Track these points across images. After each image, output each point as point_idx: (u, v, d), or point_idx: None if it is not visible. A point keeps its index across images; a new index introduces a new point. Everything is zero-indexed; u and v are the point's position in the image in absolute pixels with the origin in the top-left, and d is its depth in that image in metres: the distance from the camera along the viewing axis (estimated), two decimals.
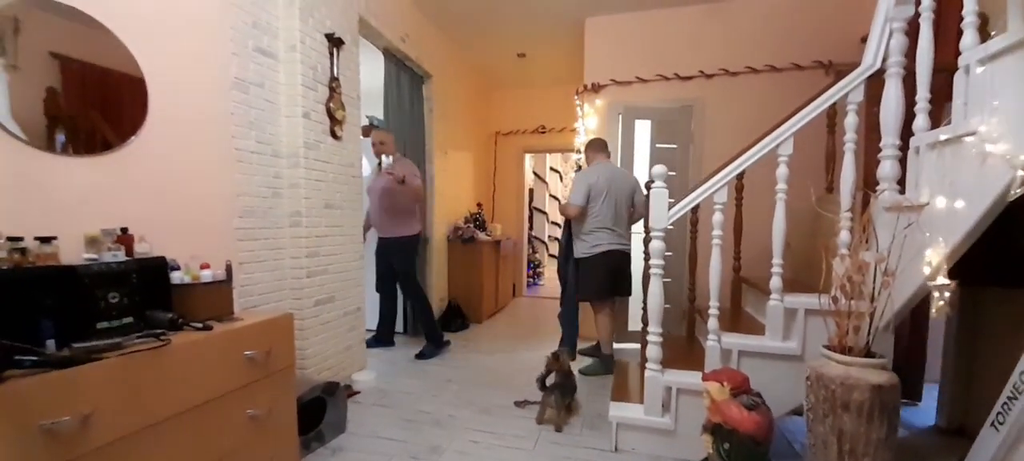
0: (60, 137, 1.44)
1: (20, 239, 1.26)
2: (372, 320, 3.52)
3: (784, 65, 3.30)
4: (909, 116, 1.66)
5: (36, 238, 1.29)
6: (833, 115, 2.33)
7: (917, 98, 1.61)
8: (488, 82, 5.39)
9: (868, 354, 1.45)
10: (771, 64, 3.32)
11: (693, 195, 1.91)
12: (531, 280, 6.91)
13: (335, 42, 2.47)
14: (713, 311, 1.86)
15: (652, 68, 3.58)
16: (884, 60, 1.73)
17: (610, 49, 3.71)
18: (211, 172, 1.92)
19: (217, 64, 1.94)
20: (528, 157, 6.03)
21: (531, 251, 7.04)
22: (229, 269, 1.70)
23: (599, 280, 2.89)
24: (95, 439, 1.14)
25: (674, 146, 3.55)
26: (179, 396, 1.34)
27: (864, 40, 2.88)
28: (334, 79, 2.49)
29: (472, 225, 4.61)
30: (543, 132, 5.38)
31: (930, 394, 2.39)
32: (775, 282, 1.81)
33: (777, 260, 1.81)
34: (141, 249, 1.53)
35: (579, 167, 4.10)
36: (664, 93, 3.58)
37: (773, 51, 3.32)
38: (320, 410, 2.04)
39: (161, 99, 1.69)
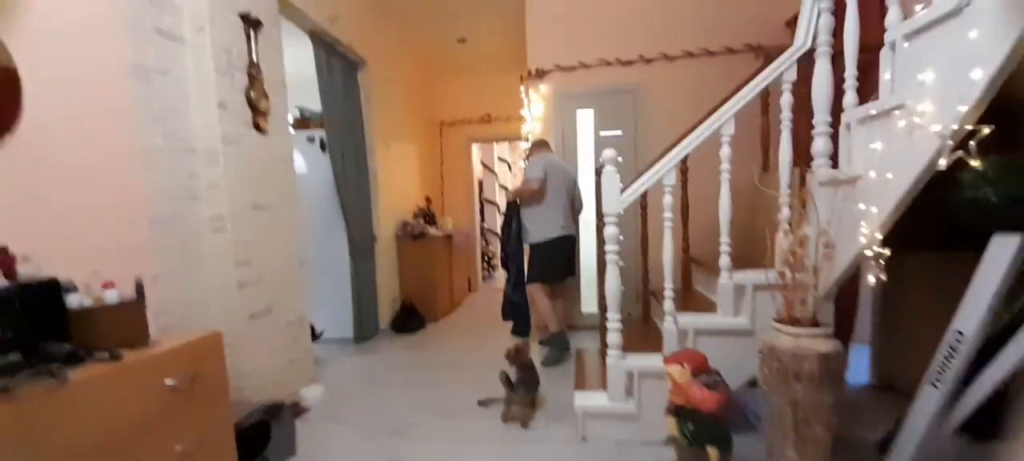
0: None
1: None
2: (322, 327, 3.30)
3: (718, 49, 3.42)
4: (838, 93, 1.75)
5: None
6: (766, 96, 2.43)
7: (846, 75, 1.70)
8: (430, 69, 5.20)
9: (814, 324, 1.52)
10: (706, 48, 3.43)
11: (644, 178, 1.91)
12: (486, 273, 6.83)
13: (252, 23, 2.21)
14: (668, 293, 1.88)
15: (594, 53, 3.59)
16: (813, 40, 1.81)
17: (552, 32, 3.67)
18: (109, 175, 1.65)
19: (109, 48, 1.66)
20: (475, 147, 5.92)
21: (484, 244, 6.96)
22: (139, 286, 1.47)
23: (556, 263, 3.01)
24: None
25: (619, 132, 3.59)
26: (86, 439, 1.14)
27: (790, 24, 3.07)
28: (254, 65, 2.24)
29: (421, 220, 4.45)
30: (489, 121, 5.29)
31: (857, 355, 2.60)
32: (724, 260, 1.86)
33: (725, 238, 1.86)
34: (26, 270, 1.28)
35: (527, 155, 4.06)
36: (607, 78, 3.60)
37: (707, 35, 3.43)
38: (264, 434, 1.85)
39: (40, 92, 1.42)
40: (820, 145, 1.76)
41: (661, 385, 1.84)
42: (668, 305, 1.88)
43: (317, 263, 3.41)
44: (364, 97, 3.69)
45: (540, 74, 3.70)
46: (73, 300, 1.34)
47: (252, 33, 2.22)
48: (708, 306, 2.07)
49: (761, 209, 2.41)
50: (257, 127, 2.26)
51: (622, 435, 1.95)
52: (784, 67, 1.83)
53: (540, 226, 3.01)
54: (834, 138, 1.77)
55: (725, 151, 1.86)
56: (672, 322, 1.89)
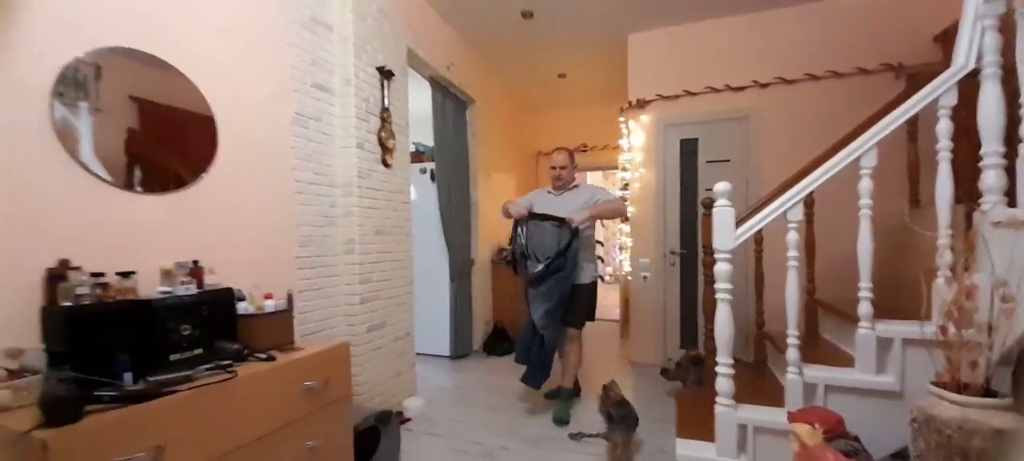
0: (138, 175, 1.53)
1: (102, 275, 1.32)
2: (423, 343, 3.52)
3: (847, 70, 3.08)
4: (1012, 119, 1.48)
5: (117, 273, 1.36)
6: (913, 121, 2.13)
7: (1022, 101, 1.43)
8: (529, 103, 5.41)
9: (987, 393, 1.26)
10: (832, 69, 3.11)
11: (763, 213, 1.77)
12: None
13: (386, 74, 2.54)
14: (792, 341, 1.69)
15: (701, 80, 3.46)
16: (978, 60, 1.56)
17: (655, 64, 3.63)
18: (273, 204, 1.98)
19: (279, 101, 2.03)
20: None
21: None
22: (290, 299, 1.73)
23: (592, 307, 2.70)
24: None
25: (728, 160, 3.38)
26: (244, 428, 1.35)
27: (938, 39, 2.68)
28: (385, 109, 2.56)
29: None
30: (585, 150, 5.31)
31: None
32: (864, 308, 1.63)
33: (865, 283, 1.63)
34: (210, 281, 1.58)
35: (626, 185, 4.00)
36: (714, 106, 3.44)
37: (834, 55, 3.12)
38: (374, 440, 2.02)
39: (229, 136, 1.77)
40: (992, 179, 1.49)
41: (782, 444, 1.65)
42: (792, 354, 1.70)
43: (421, 283, 3.66)
44: (470, 132, 3.97)
45: (641, 104, 3.66)
46: (241, 307, 1.61)
47: (385, 83, 2.55)
48: (840, 358, 1.82)
49: (908, 251, 2.08)
50: (384, 163, 2.57)
51: None
52: (942, 90, 1.59)
53: (592, 264, 2.67)
54: (1009, 171, 1.49)
55: (865, 185, 1.66)
56: (796, 374, 1.69)
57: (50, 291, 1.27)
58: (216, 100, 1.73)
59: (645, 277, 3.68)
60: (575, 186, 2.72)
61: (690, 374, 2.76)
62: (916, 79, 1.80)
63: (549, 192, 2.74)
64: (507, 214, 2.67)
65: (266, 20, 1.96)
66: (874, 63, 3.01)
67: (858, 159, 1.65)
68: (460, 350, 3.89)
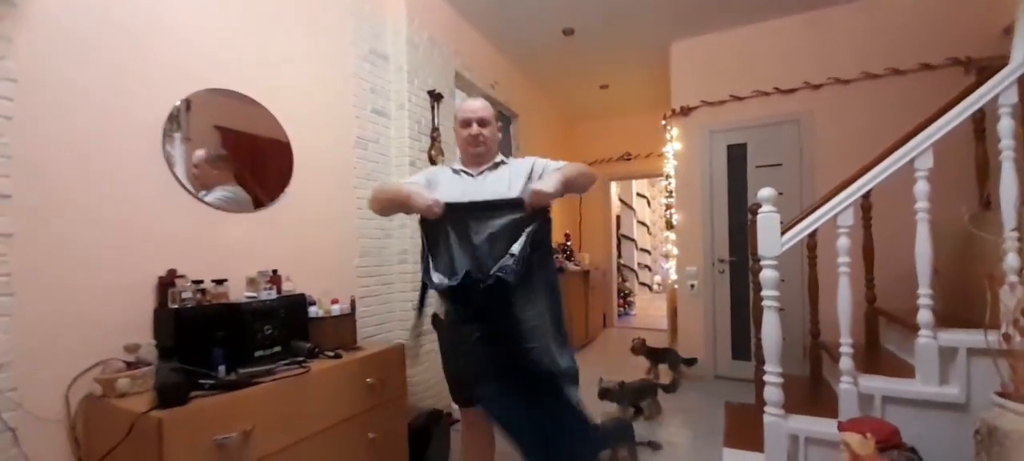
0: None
1: (201, 282, 1.55)
2: None
3: (910, 66, 2.92)
4: None
5: (213, 280, 1.58)
6: (980, 120, 2.00)
7: None
8: (571, 114, 5.49)
9: None
10: (893, 67, 2.96)
11: (810, 218, 1.74)
12: (622, 310, 6.67)
13: (435, 97, 2.73)
14: (845, 349, 1.64)
15: (747, 84, 3.38)
16: None
17: (698, 71, 3.60)
18: (338, 219, 2.20)
19: (344, 126, 2.25)
20: (614, 185, 5.96)
21: (621, 280, 6.84)
22: (353, 303, 1.91)
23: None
24: (253, 454, 1.32)
25: (779, 164, 3.28)
26: (316, 417, 1.51)
27: (1008, 31, 2.48)
28: (435, 129, 2.74)
29: (561, 256, 4.63)
30: (628, 159, 5.29)
31: None
32: (924, 315, 1.56)
33: (924, 289, 1.57)
34: (287, 287, 1.79)
35: (671, 193, 3.96)
36: (763, 110, 3.35)
37: (894, 52, 2.96)
38: (427, 437, 2.15)
39: (302, 159, 2.00)
40: None
41: (833, 456, 1.60)
42: (845, 363, 1.65)
43: None
44: (514, 146, 4.10)
45: (685, 111, 3.64)
46: (312, 310, 1.80)
47: (435, 105, 2.74)
48: (902, 370, 1.74)
49: (978, 257, 1.95)
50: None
51: None
52: (1000, 88, 1.52)
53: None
54: None
55: (921, 188, 1.60)
56: (850, 383, 1.64)
57: (161, 295, 1.51)
58: (291, 127, 1.96)
59: (693, 285, 3.61)
60: (502, 163, 1.60)
61: (625, 400, 2.65)
62: (986, 73, 1.69)
63: (460, 171, 1.59)
64: (395, 206, 1.50)
65: (331, 52, 2.20)
66: (940, 58, 2.83)
67: (912, 161, 1.60)
68: None
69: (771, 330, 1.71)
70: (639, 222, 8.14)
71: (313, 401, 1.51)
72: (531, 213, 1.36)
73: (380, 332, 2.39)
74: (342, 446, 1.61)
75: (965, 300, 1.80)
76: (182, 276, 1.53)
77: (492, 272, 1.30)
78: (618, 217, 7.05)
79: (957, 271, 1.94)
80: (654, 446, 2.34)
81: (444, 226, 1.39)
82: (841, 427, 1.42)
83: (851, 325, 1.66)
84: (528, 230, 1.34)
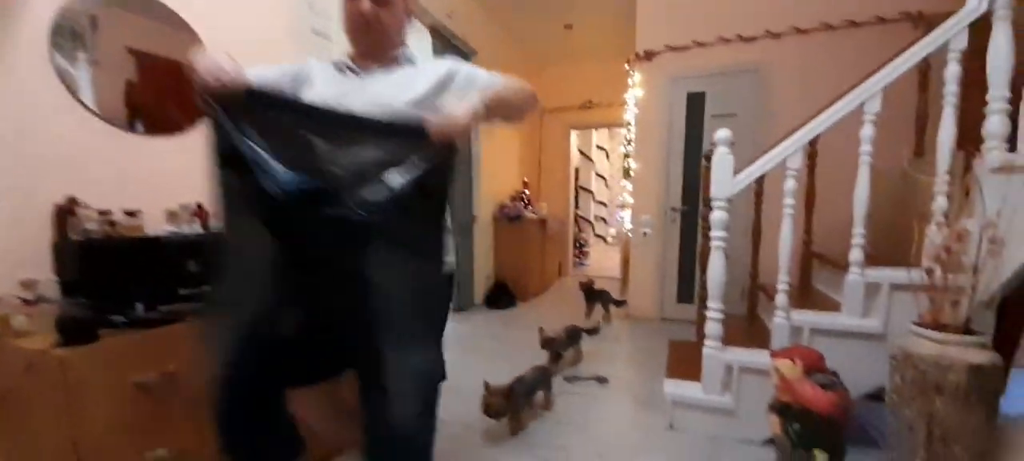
0: (139, 125, 1.56)
1: (109, 212, 1.37)
2: None
3: (865, 18, 2.96)
4: (1021, 65, 1.44)
5: (124, 211, 1.40)
6: (925, 71, 2.07)
7: None
8: (534, 56, 5.28)
9: (966, 332, 1.30)
10: (850, 19, 3.00)
11: (763, 159, 1.77)
12: (577, 260, 6.84)
13: None
14: (782, 286, 1.73)
15: (712, 30, 3.34)
16: (991, 2, 1.51)
17: (665, 12, 3.50)
18: None
19: (279, 46, 2.01)
20: (574, 134, 5.90)
21: (577, 231, 6.95)
22: None
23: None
24: (181, 397, 1.23)
25: (734, 114, 3.32)
26: None
27: None
28: None
29: (519, 204, 4.59)
30: (590, 107, 5.22)
31: (1019, 381, 2.12)
32: (856, 254, 1.66)
33: (859, 229, 1.65)
34: (215, 224, 1.63)
35: (629, 141, 3.96)
36: (724, 57, 3.34)
37: (851, 3, 2.99)
38: None
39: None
40: (995, 125, 1.47)
41: (763, 383, 1.71)
42: (780, 298, 1.73)
43: None
44: None
45: (648, 55, 3.57)
46: None
47: None
48: (830, 306, 1.86)
49: (906, 202, 2.08)
50: None
51: (716, 430, 1.85)
52: (953, 33, 1.54)
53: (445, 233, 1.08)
54: (1013, 118, 1.47)
55: (867, 132, 1.64)
56: (784, 318, 1.74)
57: (60, 226, 1.32)
58: (215, 46, 1.72)
59: (646, 233, 3.70)
60: (406, 61, 1.15)
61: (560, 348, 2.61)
62: (934, 28, 1.74)
63: (343, 66, 1.15)
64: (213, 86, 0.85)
65: None
66: (893, 12, 2.89)
67: (862, 105, 1.63)
68: (463, 304, 3.99)
69: (717, 269, 1.76)
70: (597, 175, 8.20)
71: None
72: (434, 147, 0.84)
73: None
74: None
75: (890, 243, 1.92)
76: (84, 205, 1.35)
77: (348, 203, 0.83)
78: (577, 169, 7.06)
79: (888, 216, 2.06)
80: (601, 380, 2.44)
81: (257, 124, 0.85)
82: (773, 355, 1.50)
83: (789, 265, 1.73)
84: (419, 163, 0.84)
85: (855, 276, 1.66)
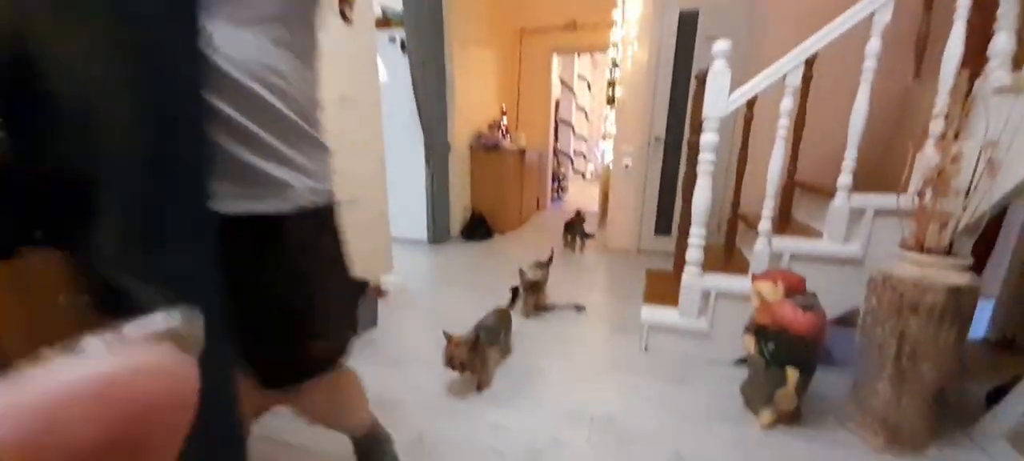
0: None
1: None
2: (400, 228, 3.41)
3: None
4: None
5: None
6: None
7: None
8: None
9: (947, 254, 1.29)
10: None
11: (761, 76, 1.66)
12: (555, 195, 6.78)
13: None
14: (767, 212, 1.69)
15: None
16: None
17: None
18: None
19: None
20: (556, 59, 5.58)
21: (556, 164, 6.82)
22: None
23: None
24: None
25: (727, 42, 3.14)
26: None
27: None
28: None
29: (496, 132, 4.39)
30: (574, 29, 4.90)
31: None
32: (844, 179, 1.61)
33: (851, 153, 1.59)
34: None
35: (615, 64, 3.76)
36: None
37: None
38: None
39: None
40: (1002, 42, 1.39)
41: (738, 307, 1.73)
42: (764, 225, 1.70)
43: (396, 167, 3.50)
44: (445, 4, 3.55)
45: None
46: None
47: None
48: (810, 234, 1.85)
49: (902, 125, 2.04)
50: (343, 15, 2.25)
51: (689, 351, 1.89)
52: None
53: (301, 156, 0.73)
54: (1020, 35, 1.39)
55: (874, 46, 1.53)
56: (765, 244, 1.72)
57: None
58: None
59: (627, 166, 3.61)
60: None
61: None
62: None
63: None
64: None
65: None
66: None
67: (872, 14, 1.51)
68: (439, 236, 3.89)
69: (703, 194, 1.70)
70: (578, 107, 7.95)
71: None
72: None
73: None
74: None
75: (875, 171, 1.90)
76: None
77: None
78: (557, 101, 6.79)
79: (882, 139, 2.03)
80: (579, 308, 2.44)
81: None
82: (754, 278, 1.49)
83: (778, 191, 1.68)
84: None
85: (841, 201, 1.63)
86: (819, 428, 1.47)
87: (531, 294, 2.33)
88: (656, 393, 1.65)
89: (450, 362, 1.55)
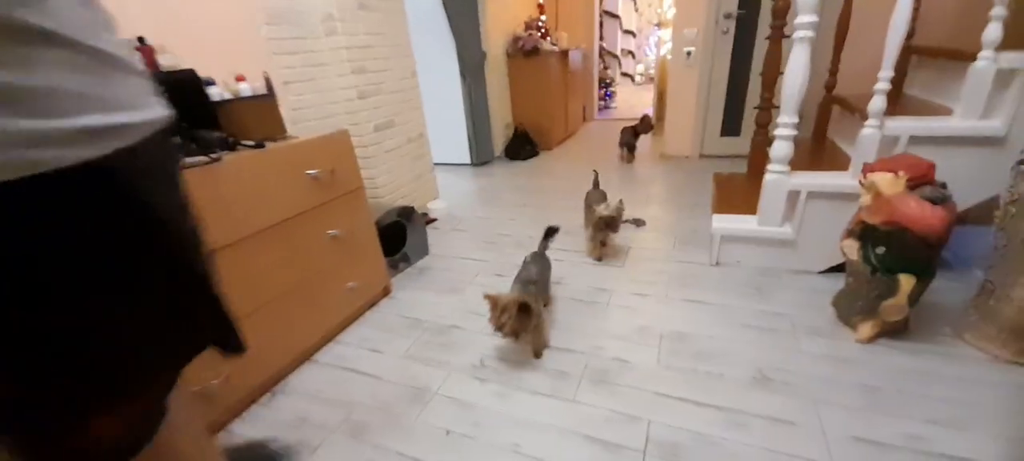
0: None
1: None
2: (441, 152, 3.27)
3: None
4: None
5: None
6: None
7: None
8: None
9: None
10: None
11: None
12: (602, 103, 6.27)
13: None
14: (881, 85, 1.36)
15: None
16: None
17: None
18: None
19: None
20: None
21: (602, 67, 6.24)
22: (268, 82, 1.47)
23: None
24: None
25: None
26: (245, 217, 1.25)
27: None
28: None
29: (535, 34, 3.98)
30: None
31: None
32: (993, 30, 1.24)
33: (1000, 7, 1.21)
34: (165, 61, 1.33)
35: None
36: None
37: None
38: (401, 235, 2.00)
39: None
40: None
41: (833, 209, 1.48)
42: (877, 102, 1.38)
43: (430, 86, 3.29)
44: None
45: None
46: (213, 92, 1.38)
47: None
48: (933, 110, 1.50)
49: None
50: None
51: (768, 262, 1.69)
52: None
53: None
54: None
55: None
56: (876, 126, 1.41)
57: None
58: None
59: (689, 52, 3.15)
60: None
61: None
62: None
63: None
64: None
65: None
66: None
67: None
68: (481, 157, 3.73)
69: (799, 68, 1.39)
70: None
71: (240, 198, 1.23)
72: None
73: (318, 128, 2.01)
74: (293, 248, 1.39)
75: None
76: None
77: None
78: None
79: None
80: (639, 223, 2.26)
81: None
82: (867, 169, 1.22)
83: (896, 58, 1.33)
84: None
85: (985, 62, 1.27)
86: (930, 341, 1.27)
87: (603, 232, 1.93)
88: (731, 308, 1.49)
89: (500, 329, 1.28)
